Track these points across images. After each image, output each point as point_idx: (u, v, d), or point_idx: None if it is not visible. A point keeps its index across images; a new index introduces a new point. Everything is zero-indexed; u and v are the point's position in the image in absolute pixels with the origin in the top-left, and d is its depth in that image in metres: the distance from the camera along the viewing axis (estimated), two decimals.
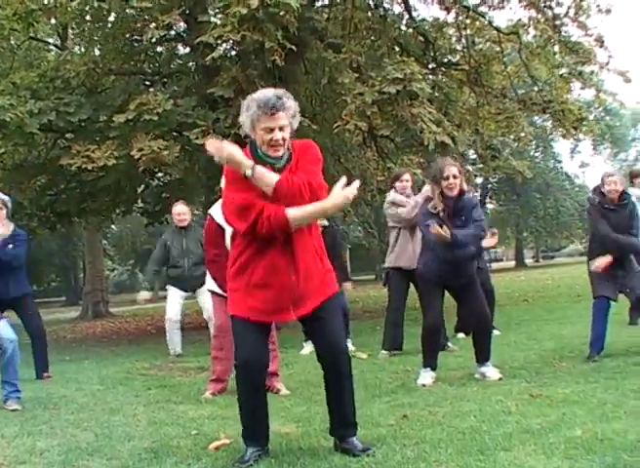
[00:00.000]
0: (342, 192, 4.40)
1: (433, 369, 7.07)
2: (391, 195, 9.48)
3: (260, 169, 4.26)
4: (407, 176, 9.50)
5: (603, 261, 7.51)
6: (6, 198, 8.90)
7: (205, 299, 9.24)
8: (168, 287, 10.91)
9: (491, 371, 6.94)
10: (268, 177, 4.26)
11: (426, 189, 8.05)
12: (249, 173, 4.24)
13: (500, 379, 6.77)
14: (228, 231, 6.16)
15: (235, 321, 4.54)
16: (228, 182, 4.48)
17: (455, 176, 6.70)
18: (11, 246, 8.77)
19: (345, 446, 4.51)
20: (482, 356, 7.06)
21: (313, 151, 4.52)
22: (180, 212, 10.61)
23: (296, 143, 4.51)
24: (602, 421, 4.78)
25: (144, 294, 11.02)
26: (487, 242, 7.80)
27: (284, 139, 4.34)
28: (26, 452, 5.04)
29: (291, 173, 4.35)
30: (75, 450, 5.00)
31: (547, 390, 6.01)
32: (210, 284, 6.95)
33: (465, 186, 7.12)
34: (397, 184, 9.45)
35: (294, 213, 4.27)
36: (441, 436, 4.72)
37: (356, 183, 4.49)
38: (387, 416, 5.45)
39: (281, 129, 4.32)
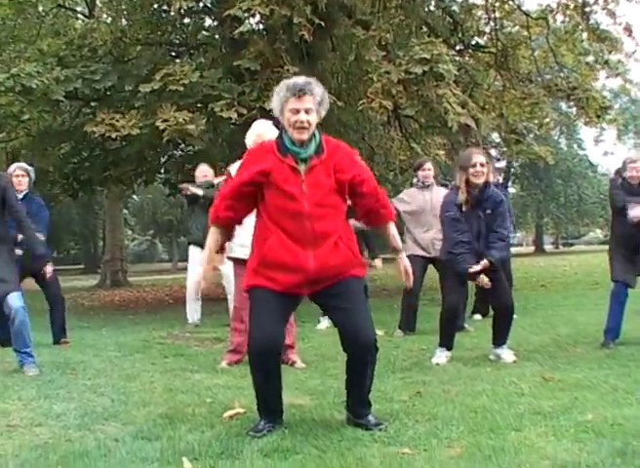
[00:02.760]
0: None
1: (449, 349, 7.11)
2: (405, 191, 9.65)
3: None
4: (429, 165, 9.53)
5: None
6: (29, 168, 9.00)
7: (225, 265, 9.30)
8: (190, 248, 10.92)
9: (505, 353, 6.97)
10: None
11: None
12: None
13: (515, 362, 6.79)
14: None
15: (251, 297, 4.58)
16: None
17: (482, 165, 6.71)
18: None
19: (359, 420, 4.55)
20: (499, 339, 7.08)
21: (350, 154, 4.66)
22: (204, 170, 10.76)
23: (330, 140, 4.59)
24: (613, 407, 4.80)
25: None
26: None
27: (309, 123, 4.38)
28: (43, 415, 5.11)
29: (321, 164, 4.43)
30: (91, 415, 5.07)
31: (560, 374, 6.03)
32: (233, 249, 6.94)
33: (492, 178, 7.16)
34: (419, 173, 9.49)
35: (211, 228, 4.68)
36: (453, 414, 4.76)
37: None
38: (401, 393, 5.49)
39: (307, 111, 4.38)
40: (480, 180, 6.74)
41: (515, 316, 10.06)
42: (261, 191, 4.46)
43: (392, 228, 4.72)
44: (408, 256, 9.36)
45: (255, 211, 4.61)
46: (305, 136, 4.41)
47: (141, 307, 16.82)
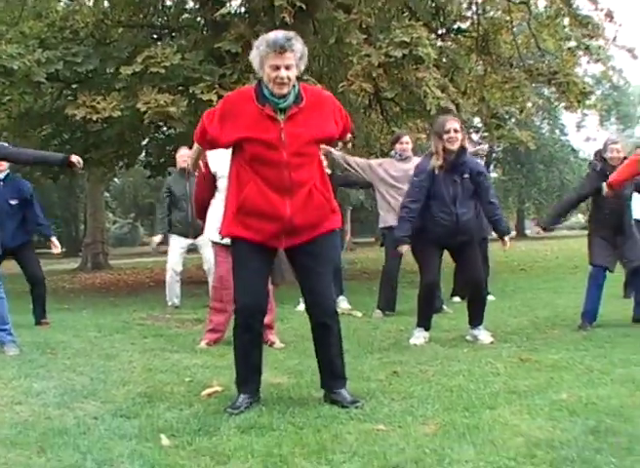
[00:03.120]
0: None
1: (427, 329, 7.17)
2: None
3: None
4: (406, 139, 9.56)
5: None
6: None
7: (206, 250, 9.35)
8: (170, 236, 10.96)
9: (483, 335, 7.04)
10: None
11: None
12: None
13: (492, 343, 6.86)
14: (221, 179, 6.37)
15: (234, 249, 4.70)
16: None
17: (455, 130, 6.79)
18: (14, 202, 8.93)
19: (335, 397, 4.61)
20: (475, 320, 7.15)
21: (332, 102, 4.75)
22: (185, 153, 10.70)
23: (308, 88, 4.68)
24: (588, 387, 4.86)
25: (157, 238, 11.05)
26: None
27: (289, 78, 4.44)
28: (23, 394, 5.14)
29: (300, 113, 4.50)
30: (71, 393, 5.11)
31: (537, 355, 6.10)
32: (211, 233, 6.98)
33: (467, 145, 7.21)
34: (397, 146, 9.52)
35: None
36: (429, 392, 4.82)
37: None
38: (378, 372, 5.55)
39: (287, 68, 4.43)
40: (455, 146, 6.82)
41: (493, 298, 10.26)
42: (238, 144, 4.56)
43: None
44: (385, 228, 9.41)
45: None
46: (285, 90, 4.47)
47: (122, 290, 16.85)
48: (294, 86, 4.53)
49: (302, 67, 4.59)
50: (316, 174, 4.63)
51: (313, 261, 4.65)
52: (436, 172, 6.86)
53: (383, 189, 9.44)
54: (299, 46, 4.48)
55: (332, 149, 9.17)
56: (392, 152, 9.66)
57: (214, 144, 4.70)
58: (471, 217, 7.08)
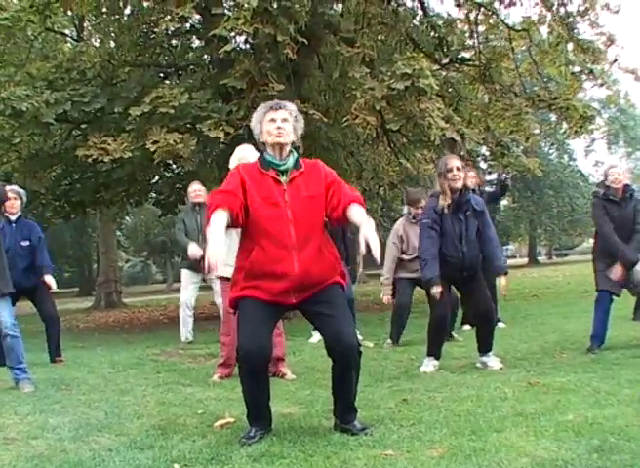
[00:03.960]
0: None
1: (437, 358, 7.24)
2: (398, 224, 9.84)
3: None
4: (424, 203, 9.65)
5: (619, 270, 7.65)
6: (21, 191, 9.17)
7: (217, 283, 9.45)
8: (182, 271, 11.12)
9: (492, 361, 7.10)
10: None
11: None
12: None
13: (501, 369, 6.91)
14: None
15: (239, 306, 4.73)
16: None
17: (458, 168, 6.94)
18: (27, 242, 9.07)
19: (345, 426, 4.67)
20: (484, 347, 7.21)
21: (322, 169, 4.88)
22: (197, 188, 10.88)
23: (306, 160, 4.89)
24: (594, 408, 4.92)
25: (195, 248, 10.63)
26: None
27: (286, 130, 4.71)
28: (39, 428, 5.22)
29: (301, 177, 4.73)
30: (86, 427, 5.18)
31: (545, 379, 6.16)
32: (220, 268, 7.06)
33: (470, 184, 7.35)
34: (412, 209, 9.62)
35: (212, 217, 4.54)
36: (437, 418, 4.88)
37: None
38: (388, 400, 5.61)
39: (283, 120, 4.74)
40: (458, 185, 6.98)
41: (504, 324, 10.33)
42: (246, 207, 4.63)
43: (360, 208, 4.75)
44: (397, 279, 9.56)
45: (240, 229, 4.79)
46: (283, 139, 4.71)
47: (136, 327, 16.91)
48: (292, 152, 4.79)
49: (299, 132, 4.88)
50: (322, 235, 4.76)
51: (326, 307, 4.67)
52: (445, 211, 6.99)
53: (394, 250, 9.65)
54: (293, 107, 4.91)
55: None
56: (405, 210, 9.78)
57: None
58: (477, 254, 7.20)
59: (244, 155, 6.83)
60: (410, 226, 9.55)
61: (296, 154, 4.82)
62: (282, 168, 4.72)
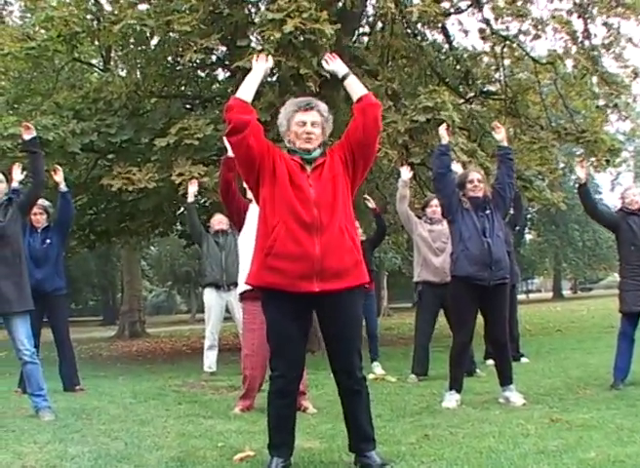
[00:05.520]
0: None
1: (458, 391, 7.20)
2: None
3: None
4: (435, 202, 9.67)
5: None
6: (47, 203, 9.25)
7: (238, 312, 9.46)
8: (205, 292, 11.12)
9: (515, 396, 7.04)
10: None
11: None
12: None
13: (524, 404, 6.86)
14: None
15: (266, 315, 4.72)
16: None
17: (479, 180, 7.04)
18: (48, 241, 9.20)
19: (365, 460, 4.63)
20: (505, 379, 7.17)
21: None
22: (220, 219, 11.05)
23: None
24: (617, 445, 4.88)
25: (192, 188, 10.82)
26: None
27: (316, 135, 4.67)
28: (57, 458, 5.22)
29: (325, 164, 4.68)
30: (105, 457, 5.18)
31: (568, 415, 6.11)
32: (240, 286, 7.05)
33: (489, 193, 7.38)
34: (427, 210, 9.68)
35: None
36: (459, 454, 4.85)
37: None
38: (409, 435, 5.57)
39: (313, 124, 4.67)
40: (479, 194, 7.13)
41: (527, 360, 10.27)
42: (266, 183, 4.65)
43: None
44: (419, 283, 9.56)
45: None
46: (311, 146, 4.67)
47: (159, 357, 16.92)
48: (320, 147, 4.72)
49: (328, 131, 4.81)
50: (345, 217, 4.68)
51: (341, 315, 4.65)
52: (468, 206, 7.10)
53: (421, 245, 9.60)
54: (324, 107, 4.77)
55: (405, 174, 9.44)
56: (423, 217, 9.78)
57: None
58: (503, 251, 7.19)
59: None
60: (424, 228, 9.63)
61: (323, 148, 4.77)
62: (307, 157, 4.69)
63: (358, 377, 4.71)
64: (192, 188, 10.74)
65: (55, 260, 9.25)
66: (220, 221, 11.04)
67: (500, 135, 7.49)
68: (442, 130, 7.45)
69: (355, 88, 4.92)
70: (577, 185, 8.01)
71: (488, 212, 7.15)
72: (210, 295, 10.92)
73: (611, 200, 71.63)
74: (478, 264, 7.02)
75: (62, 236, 9.44)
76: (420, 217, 9.84)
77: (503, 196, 7.27)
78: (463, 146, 12.17)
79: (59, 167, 9.12)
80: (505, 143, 7.53)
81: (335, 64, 4.98)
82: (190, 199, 10.80)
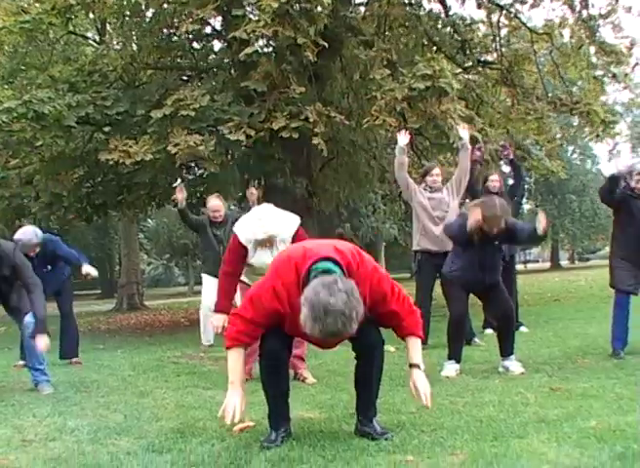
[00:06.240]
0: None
1: (458, 361, 7.22)
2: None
3: None
4: (437, 170, 9.62)
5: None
6: (39, 235, 9.07)
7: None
8: (203, 276, 11.13)
9: (514, 365, 7.05)
10: None
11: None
12: None
13: (523, 373, 6.87)
14: (250, 249, 6.39)
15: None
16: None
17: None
18: (50, 267, 9.34)
19: (365, 428, 4.63)
20: (505, 350, 7.18)
21: None
22: (215, 208, 10.86)
23: (352, 266, 4.52)
24: (617, 414, 4.87)
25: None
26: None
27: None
28: (57, 431, 5.23)
29: None
30: (104, 429, 5.18)
31: (568, 384, 6.11)
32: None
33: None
34: (427, 178, 9.59)
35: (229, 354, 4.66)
36: (459, 423, 4.85)
37: None
38: (409, 405, 5.55)
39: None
40: (494, 231, 6.90)
41: (526, 329, 10.27)
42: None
43: (416, 343, 4.89)
44: (419, 252, 9.53)
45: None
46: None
47: (157, 329, 16.93)
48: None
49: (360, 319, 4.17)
50: None
51: None
52: (474, 238, 6.97)
53: (420, 213, 9.54)
54: (353, 329, 4.11)
55: (402, 140, 9.36)
56: (423, 185, 9.72)
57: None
58: (498, 274, 7.32)
59: (261, 224, 6.59)
60: (424, 196, 9.55)
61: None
62: None
63: (379, 353, 4.78)
64: (181, 195, 10.90)
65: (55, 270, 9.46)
66: (215, 214, 10.88)
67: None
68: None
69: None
70: (609, 175, 7.84)
71: (493, 244, 7.10)
72: (208, 279, 10.89)
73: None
74: (472, 281, 7.20)
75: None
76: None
77: (514, 231, 7.13)
78: (461, 113, 12.07)
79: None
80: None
81: None
82: (180, 205, 10.98)
